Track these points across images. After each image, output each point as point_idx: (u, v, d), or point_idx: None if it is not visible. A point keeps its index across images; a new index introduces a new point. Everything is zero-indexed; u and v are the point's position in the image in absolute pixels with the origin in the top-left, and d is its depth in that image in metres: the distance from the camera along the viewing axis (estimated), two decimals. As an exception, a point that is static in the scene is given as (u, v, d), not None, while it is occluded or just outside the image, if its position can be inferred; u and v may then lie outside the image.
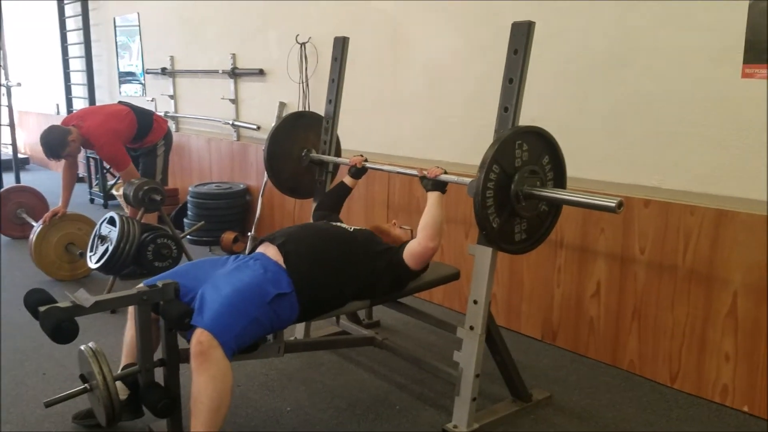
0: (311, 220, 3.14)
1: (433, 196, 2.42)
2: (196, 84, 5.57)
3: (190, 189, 5.22)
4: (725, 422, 2.53)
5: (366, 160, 2.90)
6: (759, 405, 2.55)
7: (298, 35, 4.45)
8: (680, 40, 2.65)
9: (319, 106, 4.38)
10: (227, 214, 5.13)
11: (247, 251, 4.76)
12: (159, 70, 6.10)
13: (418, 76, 3.77)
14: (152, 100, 6.38)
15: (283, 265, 2.26)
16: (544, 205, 2.34)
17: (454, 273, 2.80)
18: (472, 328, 2.35)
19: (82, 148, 4.37)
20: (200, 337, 1.96)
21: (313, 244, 2.37)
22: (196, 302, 2.10)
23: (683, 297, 2.74)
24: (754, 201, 2.52)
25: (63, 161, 4.17)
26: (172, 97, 6.15)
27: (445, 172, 2.46)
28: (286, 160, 3.14)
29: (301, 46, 4.47)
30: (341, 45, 3.09)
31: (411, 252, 2.37)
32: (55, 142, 3.98)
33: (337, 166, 3.17)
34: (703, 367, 2.71)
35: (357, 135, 4.02)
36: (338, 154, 3.21)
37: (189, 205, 5.23)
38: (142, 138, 4.42)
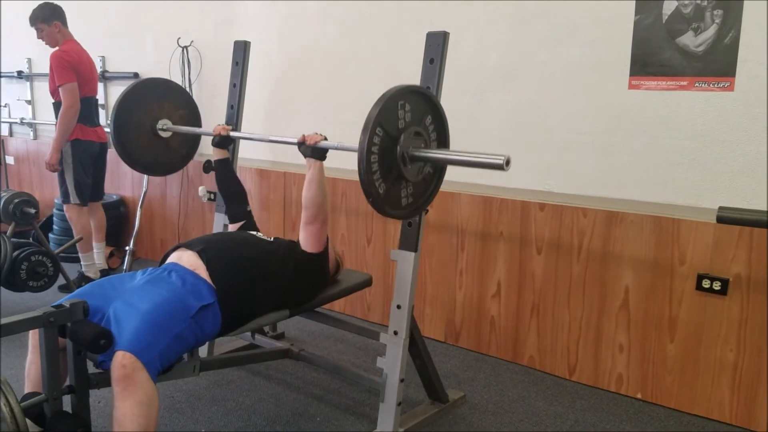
0: (214, 226, 3.01)
1: (314, 167, 2.33)
2: (58, 87, 5.14)
3: (56, 201, 4.77)
4: (623, 409, 2.73)
5: (232, 129, 2.80)
6: (651, 392, 2.78)
7: (179, 38, 4.26)
8: (571, 54, 2.84)
9: (203, 111, 4.19)
10: (100, 227, 4.76)
11: (125, 266, 4.53)
12: (15, 73, 5.56)
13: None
14: (5, 106, 5.79)
15: (202, 274, 2.14)
16: (429, 167, 2.24)
17: (367, 279, 2.79)
18: (396, 332, 2.36)
19: None
20: (123, 359, 1.80)
21: (234, 249, 2.28)
22: (110, 323, 1.92)
23: (579, 293, 2.93)
24: (641, 202, 2.75)
25: None
26: (29, 102, 5.62)
27: (325, 139, 2.36)
28: (138, 133, 2.85)
29: (183, 50, 4.27)
30: (242, 49, 2.99)
31: (303, 235, 2.39)
32: None
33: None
34: (599, 358, 2.90)
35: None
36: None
37: (55, 219, 4.79)
38: None
